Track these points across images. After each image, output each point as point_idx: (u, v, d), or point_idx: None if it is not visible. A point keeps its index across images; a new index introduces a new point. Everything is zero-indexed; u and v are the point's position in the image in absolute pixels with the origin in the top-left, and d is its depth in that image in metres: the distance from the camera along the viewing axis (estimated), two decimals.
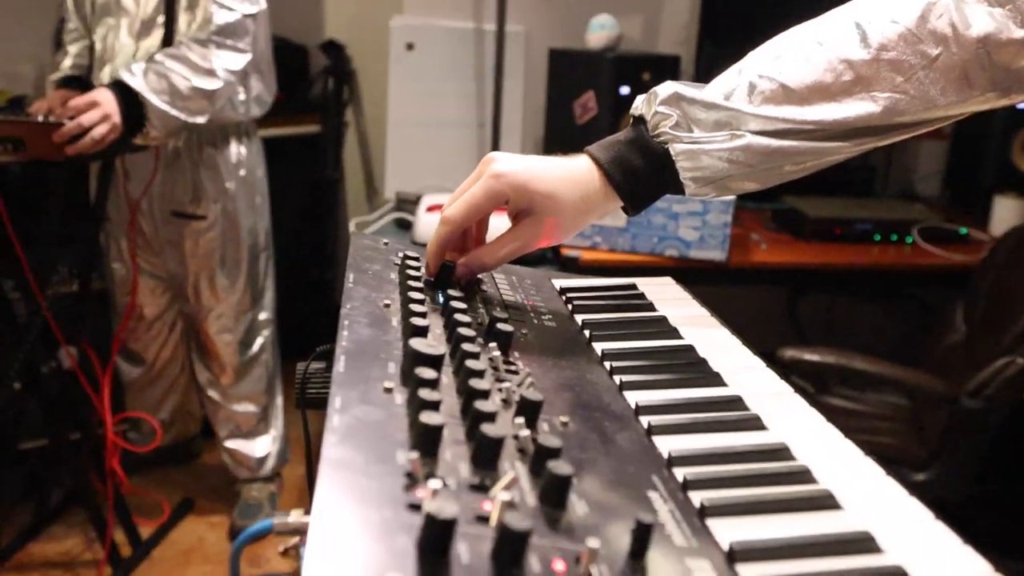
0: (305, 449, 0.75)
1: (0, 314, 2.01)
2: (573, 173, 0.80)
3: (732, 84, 0.77)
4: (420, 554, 0.40)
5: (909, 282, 2.53)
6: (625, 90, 2.50)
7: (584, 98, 2.56)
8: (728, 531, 0.48)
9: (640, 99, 0.81)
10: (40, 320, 1.90)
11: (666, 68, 2.58)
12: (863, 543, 0.47)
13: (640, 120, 0.80)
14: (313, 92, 3.19)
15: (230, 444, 2.37)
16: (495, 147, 2.65)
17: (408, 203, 2.51)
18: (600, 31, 2.54)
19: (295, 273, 2.83)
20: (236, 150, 2.20)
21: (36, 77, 2.75)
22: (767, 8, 2.65)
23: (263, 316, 2.35)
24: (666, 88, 0.78)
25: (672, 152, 0.77)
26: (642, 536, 0.44)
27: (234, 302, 2.27)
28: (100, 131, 1.80)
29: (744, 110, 0.75)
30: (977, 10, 0.71)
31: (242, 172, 2.22)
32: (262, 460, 2.38)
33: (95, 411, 2.11)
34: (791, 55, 0.76)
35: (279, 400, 2.44)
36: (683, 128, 0.77)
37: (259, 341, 2.34)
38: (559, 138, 2.69)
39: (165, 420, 2.48)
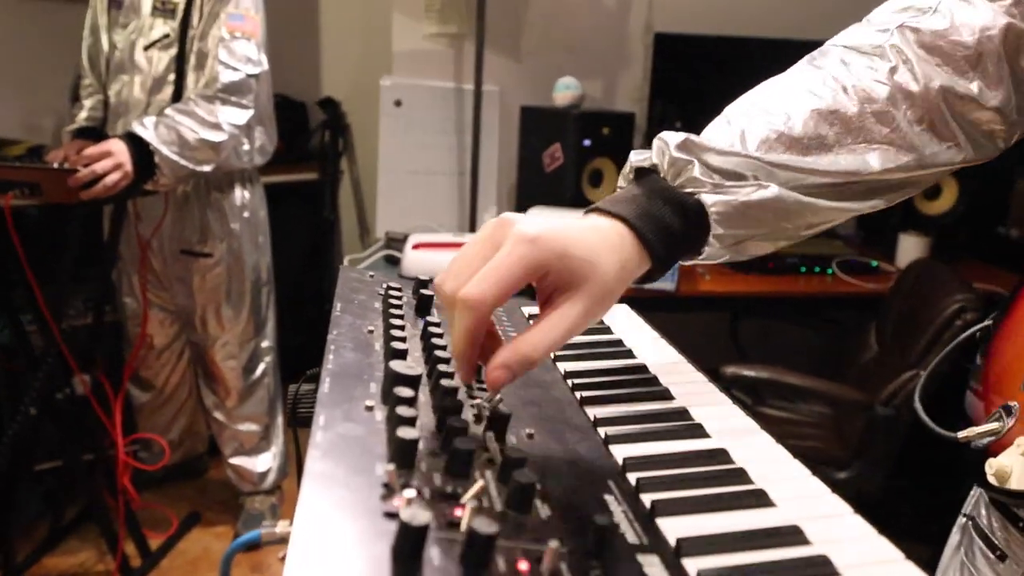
0: (296, 464, 0.73)
1: (18, 345, 1.97)
2: (606, 235, 0.59)
3: (727, 132, 0.65)
4: (395, 559, 0.39)
5: (830, 307, 2.62)
6: (587, 142, 2.54)
7: (552, 149, 2.59)
8: (675, 528, 0.47)
9: (634, 154, 0.66)
10: (55, 350, 1.87)
11: (623, 123, 2.62)
12: (793, 536, 0.47)
13: (648, 172, 0.65)
14: (312, 143, 3.20)
15: (234, 461, 2.32)
16: (474, 192, 2.66)
17: (397, 241, 2.52)
18: (565, 91, 2.58)
19: (295, 305, 2.81)
20: (240, 194, 2.19)
21: (55, 128, 2.73)
22: (711, 72, 2.72)
23: (265, 344, 2.32)
24: (674, 135, 0.63)
25: (707, 204, 0.62)
26: (599, 536, 0.43)
27: (238, 331, 2.24)
28: (113, 179, 1.78)
29: (762, 157, 0.63)
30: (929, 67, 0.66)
31: (246, 214, 2.20)
32: (264, 475, 2.34)
33: (107, 433, 2.06)
34: (776, 107, 0.66)
35: (279, 420, 2.40)
36: (708, 177, 0.62)
37: (261, 367, 2.31)
38: (530, 184, 2.71)
39: (174, 440, 2.43)
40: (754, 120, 0.66)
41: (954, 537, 0.83)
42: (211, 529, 2.36)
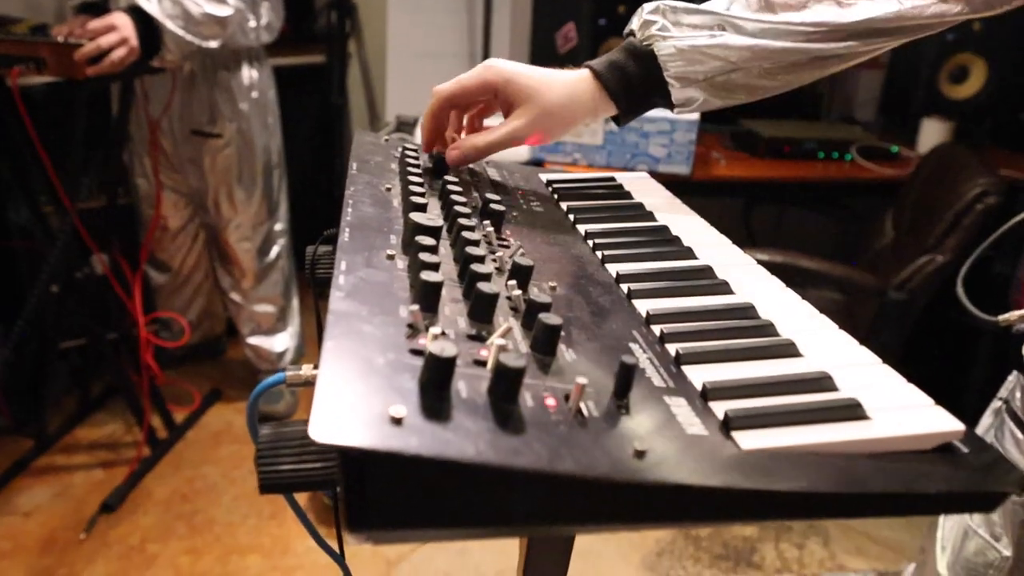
0: (316, 317, 0.72)
1: (36, 226, 1.96)
2: (564, 76, 0.75)
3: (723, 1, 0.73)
4: (423, 391, 0.38)
5: (847, 193, 2.54)
6: (603, 21, 2.41)
7: (565, 29, 2.47)
8: (701, 375, 0.46)
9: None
10: (70, 226, 1.86)
11: (640, 0, 2.48)
12: (821, 382, 0.46)
13: (630, 34, 0.76)
14: (318, 25, 3.07)
15: (252, 340, 2.36)
16: None
17: (407, 125, 2.45)
18: None
19: (307, 190, 2.77)
20: (248, 74, 2.12)
21: (57, 7, 2.61)
22: None
23: (278, 227, 2.30)
24: (652, 3, 0.74)
25: (657, 51, 0.72)
26: (626, 376, 0.42)
27: (251, 213, 2.22)
28: (119, 54, 1.71)
29: (736, 14, 0.70)
30: None
31: (254, 94, 2.13)
32: (281, 354, 2.38)
33: (128, 313, 2.08)
34: None
35: (295, 302, 2.42)
36: (668, 32, 0.72)
37: (275, 249, 2.30)
38: (543, 66, 2.61)
39: (193, 321, 2.45)
40: None
41: (985, 420, 0.84)
42: (232, 404, 2.42)
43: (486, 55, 2.55)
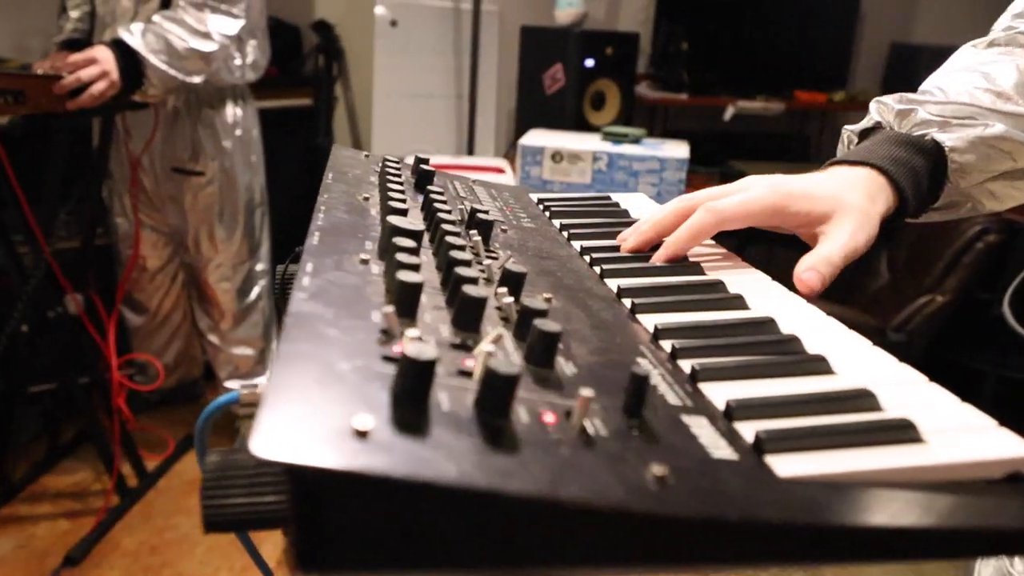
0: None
1: (10, 265, 1.88)
2: (846, 177, 0.61)
3: (939, 92, 0.65)
4: (396, 402, 0.31)
5: None
6: (590, 63, 2.41)
7: (553, 70, 2.46)
8: (723, 393, 0.40)
9: (848, 128, 0.68)
10: (44, 265, 1.78)
11: (627, 43, 2.48)
12: (863, 400, 0.39)
13: (871, 131, 0.66)
14: (306, 68, 3.06)
15: (230, 384, 2.26)
16: (471, 117, 2.54)
17: None
18: (568, 8, 2.44)
19: (292, 231, 2.70)
20: (232, 111, 2.08)
21: (44, 48, 2.59)
22: None
23: (259, 267, 2.24)
24: (890, 96, 0.66)
25: (942, 141, 0.62)
26: (638, 389, 0.35)
27: (232, 253, 2.15)
28: (99, 87, 1.67)
29: (979, 104, 0.63)
30: None
31: (238, 132, 2.09)
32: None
33: (102, 355, 1.99)
34: (974, 71, 0.66)
35: (275, 344, 2.33)
36: (936, 118, 0.63)
37: (256, 290, 2.23)
38: (530, 107, 2.59)
39: (169, 364, 2.36)
40: (955, 82, 0.65)
41: None
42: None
43: (473, 97, 2.53)
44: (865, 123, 0.68)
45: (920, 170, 0.62)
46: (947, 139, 0.62)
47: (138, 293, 2.25)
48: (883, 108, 0.67)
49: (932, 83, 0.68)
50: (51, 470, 2.15)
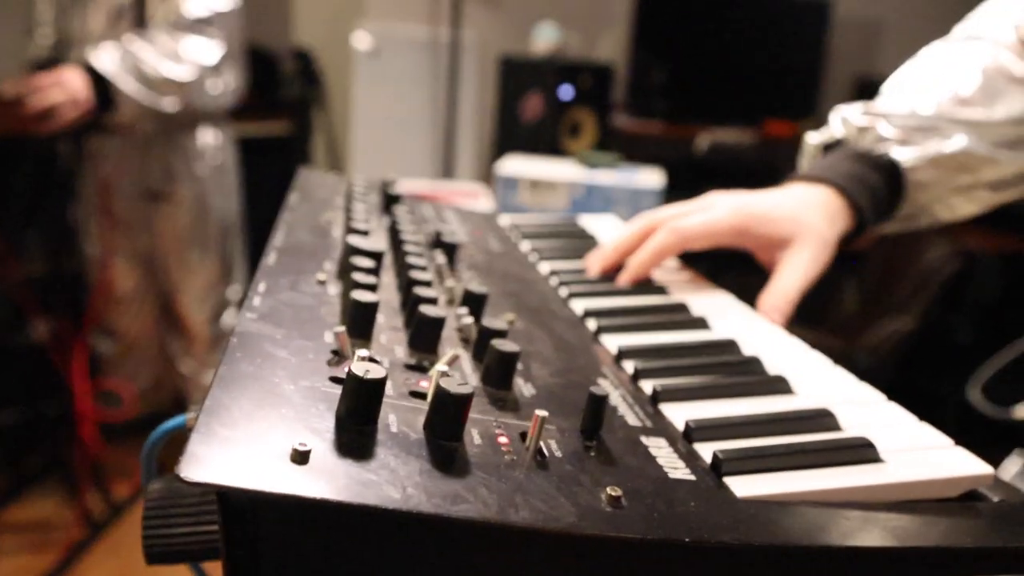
0: None
1: None
2: (805, 197, 0.62)
3: (900, 99, 0.65)
4: (340, 425, 0.30)
5: None
6: (567, 92, 2.43)
7: (530, 99, 2.48)
8: (683, 414, 0.39)
9: (812, 135, 0.68)
10: (7, 290, 1.74)
11: (604, 74, 2.51)
12: (822, 420, 0.39)
13: (834, 146, 0.66)
14: (284, 94, 3.06)
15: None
16: (448, 145, 2.54)
17: None
18: (546, 39, 2.47)
19: None
20: (207, 137, 2.06)
21: (11, 69, 2.55)
22: (696, 21, 2.61)
23: (234, 294, 2.20)
24: (853, 106, 0.66)
25: (898, 159, 0.62)
26: (596, 409, 0.35)
27: (205, 279, 2.12)
28: (66, 112, 1.65)
29: (942, 115, 0.62)
30: None
31: (213, 158, 2.07)
32: None
33: (68, 383, 1.95)
34: (939, 75, 0.65)
35: None
36: (894, 135, 0.63)
37: (229, 316, 2.20)
38: (508, 135, 2.60)
39: (142, 390, 2.31)
40: (919, 85, 0.65)
41: (1011, 466, 0.77)
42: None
43: (451, 124, 2.54)
44: (827, 137, 0.68)
45: (878, 187, 0.63)
46: (907, 157, 0.63)
47: (108, 319, 2.21)
48: (842, 120, 0.67)
49: (897, 83, 0.67)
50: (14, 502, 2.08)
